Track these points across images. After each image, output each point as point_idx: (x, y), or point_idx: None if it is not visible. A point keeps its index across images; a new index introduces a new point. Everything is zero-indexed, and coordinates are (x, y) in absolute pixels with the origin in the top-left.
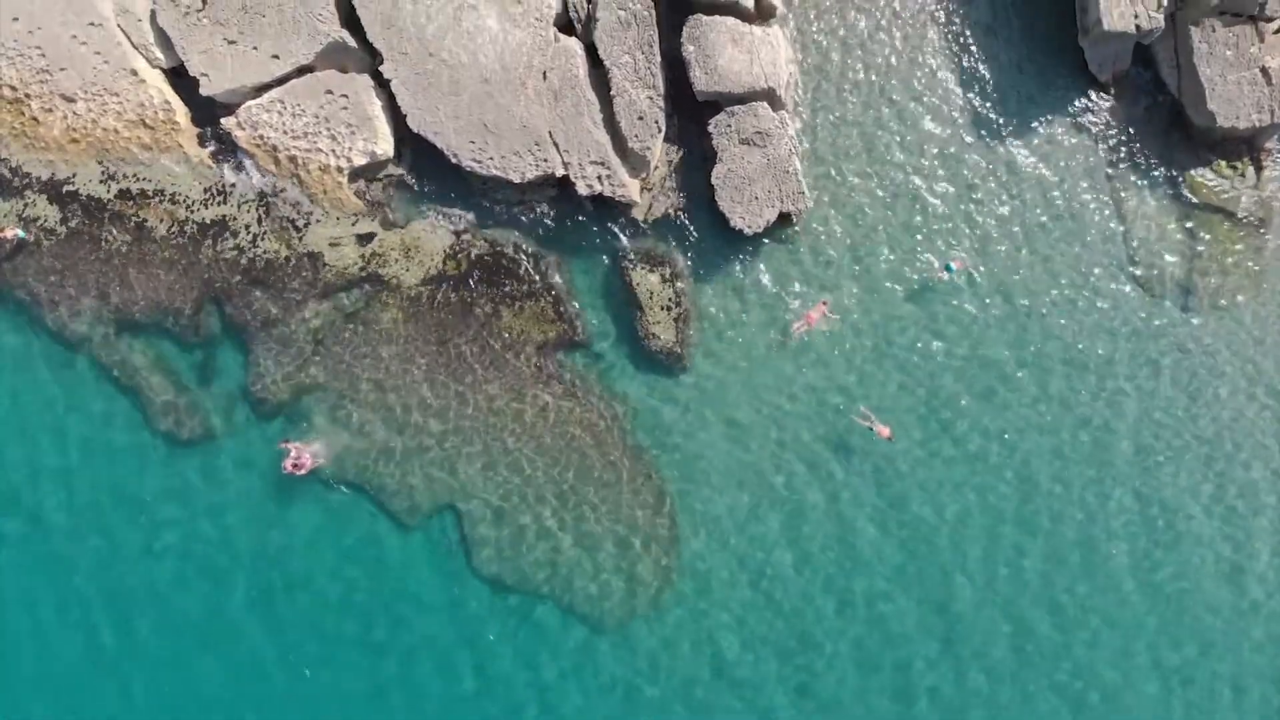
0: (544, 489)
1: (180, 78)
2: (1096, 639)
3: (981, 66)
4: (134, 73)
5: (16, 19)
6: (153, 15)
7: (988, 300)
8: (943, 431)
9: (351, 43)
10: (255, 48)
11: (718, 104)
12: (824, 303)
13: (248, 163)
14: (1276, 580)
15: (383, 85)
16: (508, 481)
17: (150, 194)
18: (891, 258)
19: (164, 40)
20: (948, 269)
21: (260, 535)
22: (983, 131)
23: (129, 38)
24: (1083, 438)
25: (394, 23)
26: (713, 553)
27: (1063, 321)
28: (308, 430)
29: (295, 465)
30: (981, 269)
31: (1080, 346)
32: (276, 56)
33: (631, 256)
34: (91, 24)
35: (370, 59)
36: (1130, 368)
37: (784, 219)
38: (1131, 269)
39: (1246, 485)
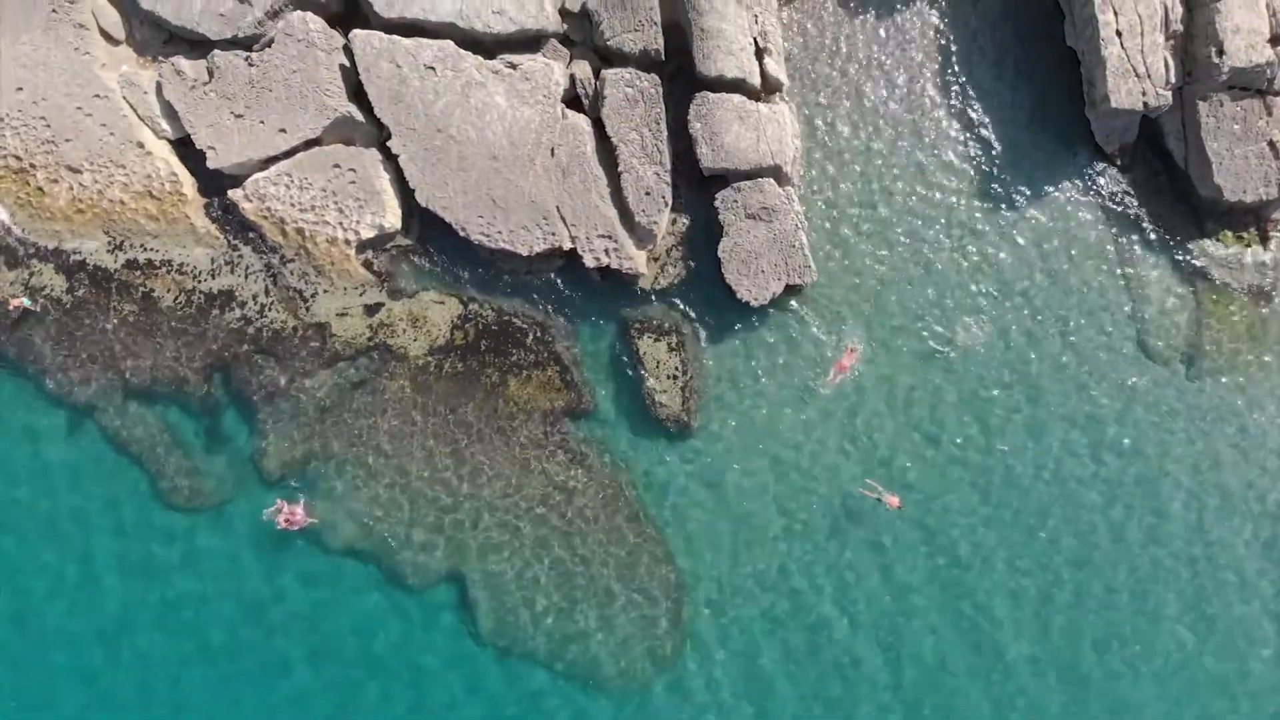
0: (548, 557)
1: (187, 148)
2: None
3: (989, 138)
4: (140, 144)
5: (20, 89)
6: (158, 88)
7: (994, 367)
8: (953, 499)
9: (359, 117)
10: (262, 121)
11: (725, 177)
12: (852, 349)
13: (254, 236)
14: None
15: (390, 158)
16: (511, 548)
17: (157, 264)
18: (898, 328)
19: (170, 112)
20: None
21: (261, 600)
22: (990, 202)
23: (135, 110)
24: (1091, 497)
25: (402, 98)
26: (717, 621)
27: (1068, 388)
28: (313, 495)
29: (288, 521)
30: (989, 337)
31: (1085, 411)
32: (284, 130)
33: (638, 326)
34: (96, 96)
35: (378, 133)
36: (1137, 434)
37: (791, 289)
38: (1138, 337)
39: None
